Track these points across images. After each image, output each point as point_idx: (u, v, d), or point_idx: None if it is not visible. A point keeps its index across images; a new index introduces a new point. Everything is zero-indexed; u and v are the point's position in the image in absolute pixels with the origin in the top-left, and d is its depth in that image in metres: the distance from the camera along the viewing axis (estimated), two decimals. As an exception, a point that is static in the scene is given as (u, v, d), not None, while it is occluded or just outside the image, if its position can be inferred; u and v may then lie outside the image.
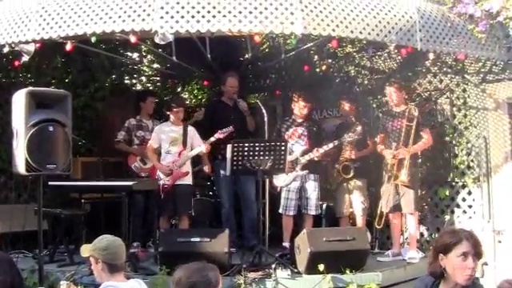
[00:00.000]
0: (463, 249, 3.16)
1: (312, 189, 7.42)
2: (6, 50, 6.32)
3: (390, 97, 7.33)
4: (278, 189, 7.40)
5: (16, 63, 6.91)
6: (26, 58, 6.29)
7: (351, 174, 7.48)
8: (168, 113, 7.60)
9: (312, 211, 7.42)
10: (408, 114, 7.11)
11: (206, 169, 7.80)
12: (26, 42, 6.11)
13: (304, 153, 7.33)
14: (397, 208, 7.14)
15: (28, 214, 6.59)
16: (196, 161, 7.93)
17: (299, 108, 7.58)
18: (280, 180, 7.32)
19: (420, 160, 7.63)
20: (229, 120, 7.66)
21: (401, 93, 7.26)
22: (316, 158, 7.33)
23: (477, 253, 3.17)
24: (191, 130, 7.58)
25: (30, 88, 5.89)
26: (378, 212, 7.23)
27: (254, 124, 7.88)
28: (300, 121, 7.62)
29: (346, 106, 7.69)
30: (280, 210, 7.39)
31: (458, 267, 3.18)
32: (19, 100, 5.61)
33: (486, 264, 7.15)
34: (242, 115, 7.80)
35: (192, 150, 7.46)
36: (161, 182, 7.31)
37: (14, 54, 6.73)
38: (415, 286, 3.62)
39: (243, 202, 7.84)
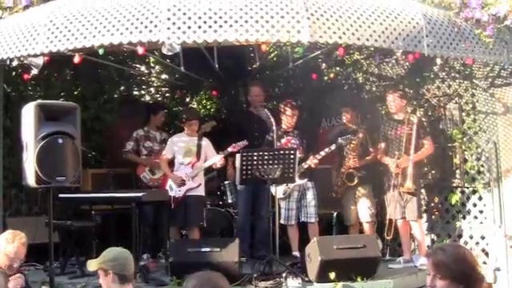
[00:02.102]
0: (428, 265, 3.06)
1: (311, 197, 7.38)
2: (15, 63, 6.36)
3: (390, 104, 7.32)
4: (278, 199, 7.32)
5: (25, 76, 6.94)
6: (35, 71, 6.33)
7: (355, 182, 7.45)
8: (182, 125, 7.63)
9: (312, 219, 7.36)
10: (408, 121, 7.11)
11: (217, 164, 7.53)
12: (35, 56, 6.15)
13: (300, 161, 7.26)
14: (404, 215, 7.15)
15: (39, 227, 6.61)
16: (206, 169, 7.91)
17: (288, 118, 7.48)
18: (280, 192, 7.25)
19: (427, 167, 7.64)
20: (253, 130, 7.71)
21: (401, 100, 7.26)
22: (313, 165, 7.30)
23: (440, 274, 2.93)
24: (205, 141, 7.58)
25: (39, 101, 5.93)
26: (387, 222, 7.21)
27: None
28: (290, 130, 7.54)
29: (347, 114, 7.66)
30: (282, 221, 7.29)
31: None
32: (28, 113, 5.64)
33: (498, 269, 7.11)
34: (265, 123, 7.74)
35: (205, 161, 7.47)
36: (172, 193, 7.32)
37: (23, 68, 6.76)
38: None
39: (257, 213, 7.83)
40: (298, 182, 7.16)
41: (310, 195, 7.37)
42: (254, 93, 8.01)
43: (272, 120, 7.15)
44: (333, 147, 7.26)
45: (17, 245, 4.95)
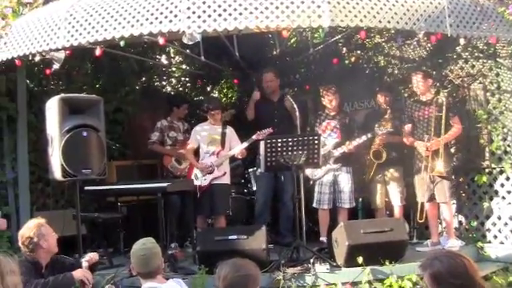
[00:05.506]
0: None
1: (345, 182, 7.37)
2: (37, 58, 6.39)
3: (416, 85, 7.26)
4: (311, 182, 7.37)
5: (47, 71, 7.00)
6: (56, 66, 6.35)
7: (383, 159, 7.40)
8: (205, 115, 7.63)
9: (346, 204, 7.37)
10: (436, 103, 7.04)
11: (239, 154, 7.57)
12: (57, 50, 6.18)
13: (336, 146, 7.28)
14: (432, 197, 7.09)
15: (66, 220, 6.66)
16: (231, 158, 7.91)
17: (327, 101, 7.55)
18: (315, 172, 7.28)
19: (454, 148, 7.57)
20: (273, 116, 7.74)
21: (426, 81, 7.19)
22: (348, 151, 7.28)
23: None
24: (229, 130, 7.60)
25: (63, 95, 5.96)
26: (419, 205, 7.17)
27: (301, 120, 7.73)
28: (333, 114, 7.58)
29: (381, 97, 7.66)
30: (314, 204, 7.39)
31: None
32: (53, 107, 5.69)
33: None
34: (288, 111, 7.78)
35: (230, 150, 7.47)
36: (197, 182, 7.33)
37: (45, 63, 6.81)
38: None
39: (281, 199, 7.84)
40: (332, 166, 7.21)
41: (345, 180, 7.36)
42: (265, 79, 8.01)
43: (295, 106, 7.12)
44: (369, 135, 7.22)
45: (34, 224, 4.71)
